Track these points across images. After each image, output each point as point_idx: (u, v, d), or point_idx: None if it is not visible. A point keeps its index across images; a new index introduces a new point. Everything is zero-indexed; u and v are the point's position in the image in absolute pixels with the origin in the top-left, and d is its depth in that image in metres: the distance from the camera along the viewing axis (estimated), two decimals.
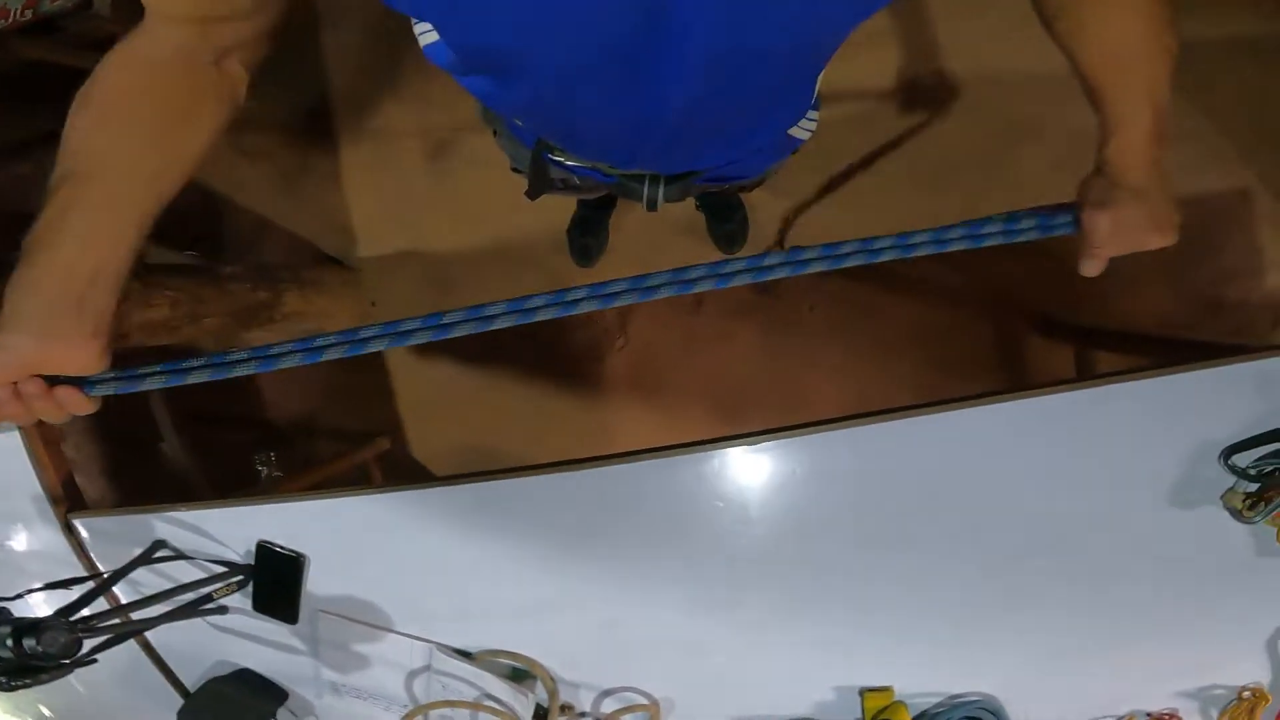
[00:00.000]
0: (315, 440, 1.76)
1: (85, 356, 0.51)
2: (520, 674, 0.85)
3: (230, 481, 1.56)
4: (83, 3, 1.29)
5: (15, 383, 0.50)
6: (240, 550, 0.82)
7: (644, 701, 0.84)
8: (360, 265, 1.65)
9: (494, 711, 0.80)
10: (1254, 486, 0.73)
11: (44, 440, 0.79)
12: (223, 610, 0.80)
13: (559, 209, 1.57)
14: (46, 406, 0.52)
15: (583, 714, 0.86)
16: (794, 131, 0.77)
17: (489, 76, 0.53)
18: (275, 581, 0.80)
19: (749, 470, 0.79)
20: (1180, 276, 1.54)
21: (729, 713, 0.86)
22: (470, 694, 0.82)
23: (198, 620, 0.80)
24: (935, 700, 0.85)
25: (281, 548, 0.80)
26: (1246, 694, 0.87)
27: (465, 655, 0.84)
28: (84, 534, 0.85)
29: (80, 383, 0.53)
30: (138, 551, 0.79)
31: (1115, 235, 0.60)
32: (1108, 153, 0.59)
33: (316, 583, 0.83)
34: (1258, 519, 0.73)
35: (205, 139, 0.53)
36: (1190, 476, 0.76)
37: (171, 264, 1.24)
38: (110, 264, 0.50)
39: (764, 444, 0.78)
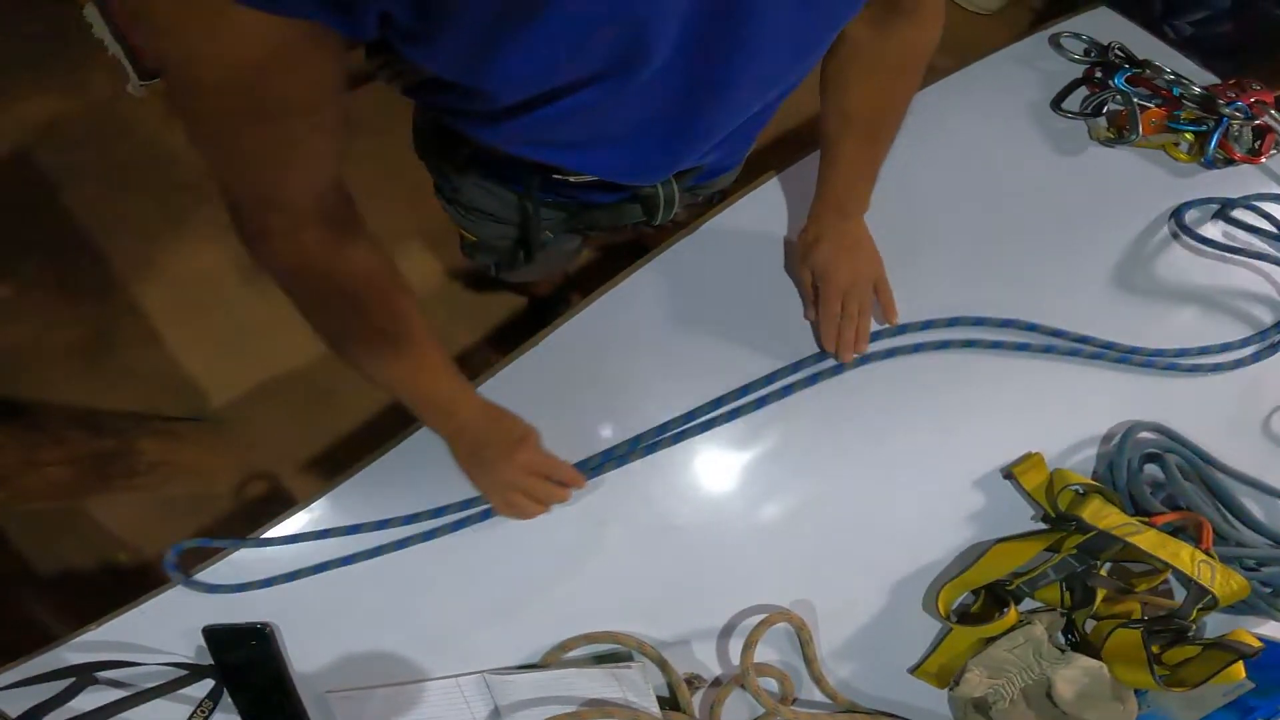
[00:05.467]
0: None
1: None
2: (611, 658, 0.63)
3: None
4: None
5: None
6: (188, 650, 0.59)
7: (772, 613, 0.62)
8: (221, 415, 1.45)
9: (618, 713, 0.57)
10: (1102, 121, 0.83)
11: None
12: None
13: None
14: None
15: (715, 680, 0.64)
16: None
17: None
18: (249, 673, 0.57)
19: None
20: None
21: (890, 573, 0.66)
22: (565, 709, 0.59)
23: None
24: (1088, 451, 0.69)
25: (235, 625, 0.58)
26: None
27: (529, 667, 0.61)
28: None
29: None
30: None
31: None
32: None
33: (301, 655, 0.60)
34: (1133, 136, 0.80)
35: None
36: (1052, 135, 0.84)
37: None
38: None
39: None
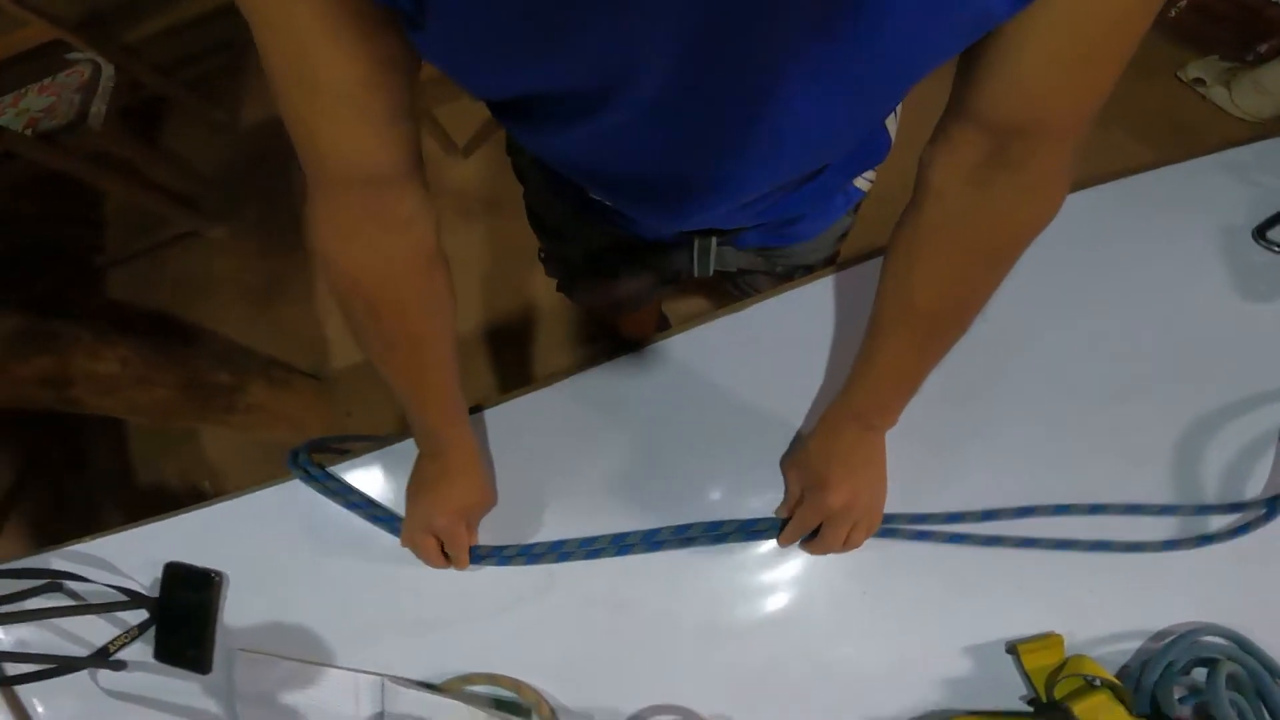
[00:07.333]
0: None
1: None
2: (508, 706, 0.60)
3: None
4: (77, 119, 1.44)
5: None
6: (149, 579, 0.66)
7: (681, 715, 0.57)
8: (334, 377, 1.59)
9: None
10: None
11: None
12: (118, 665, 0.62)
13: (520, 297, 1.53)
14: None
15: None
16: (858, 181, 0.68)
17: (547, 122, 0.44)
18: (184, 613, 0.62)
19: None
20: None
21: (825, 716, 0.57)
22: None
23: (92, 686, 0.62)
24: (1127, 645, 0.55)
25: (193, 567, 0.64)
26: None
27: (428, 687, 0.61)
28: None
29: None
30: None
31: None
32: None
33: (241, 609, 0.64)
34: None
35: (450, 291, 0.53)
36: (1242, 265, 0.66)
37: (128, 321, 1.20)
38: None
39: None
